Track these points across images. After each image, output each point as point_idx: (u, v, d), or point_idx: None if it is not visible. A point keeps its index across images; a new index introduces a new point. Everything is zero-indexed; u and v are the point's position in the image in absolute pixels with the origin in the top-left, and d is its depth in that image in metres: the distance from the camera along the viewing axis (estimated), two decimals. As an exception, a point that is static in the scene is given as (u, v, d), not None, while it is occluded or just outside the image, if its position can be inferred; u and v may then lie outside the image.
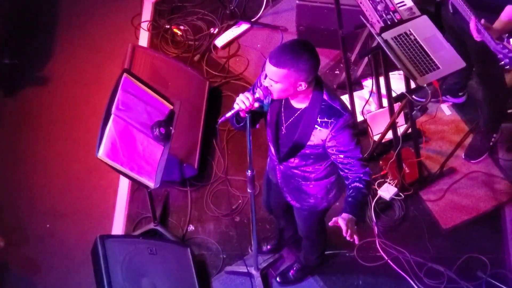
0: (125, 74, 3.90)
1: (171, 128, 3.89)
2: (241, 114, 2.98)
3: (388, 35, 3.82)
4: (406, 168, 4.40)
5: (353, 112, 4.64)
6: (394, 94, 4.35)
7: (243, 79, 5.08)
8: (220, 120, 2.99)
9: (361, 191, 3.00)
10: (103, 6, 5.60)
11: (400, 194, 4.41)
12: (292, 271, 4.14)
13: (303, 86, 2.88)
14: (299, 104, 3.02)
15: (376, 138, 4.56)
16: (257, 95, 2.95)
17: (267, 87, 2.93)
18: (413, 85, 3.88)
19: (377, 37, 3.83)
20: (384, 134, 4.40)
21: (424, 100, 3.93)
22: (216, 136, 4.65)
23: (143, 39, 5.37)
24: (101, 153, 3.59)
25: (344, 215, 2.90)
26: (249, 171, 3.27)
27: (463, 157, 4.59)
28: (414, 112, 4.09)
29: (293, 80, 2.85)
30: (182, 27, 5.39)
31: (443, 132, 4.73)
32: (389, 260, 4.19)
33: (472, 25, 3.53)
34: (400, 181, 4.37)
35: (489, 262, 4.16)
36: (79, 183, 4.62)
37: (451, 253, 4.22)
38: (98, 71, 5.17)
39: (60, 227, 4.44)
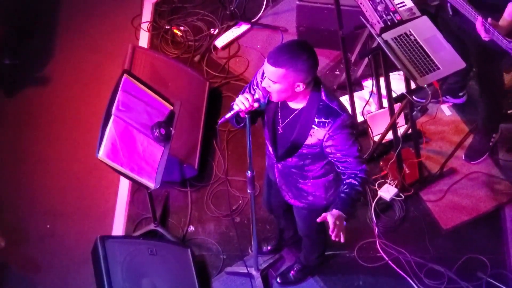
0: (125, 75, 3.90)
1: (171, 128, 3.89)
2: (241, 115, 2.99)
3: (388, 35, 3.82)
4: (406, 169, 4.40)
5: (353, 113, 4.65)
6: (394, 95, 4.35)
7: (243, 79, 5.08)
8: (220, 121, 3.00)
9: (354, 188, 2.99)
10: (103, 6, 5.60)
11: (400, 194, 4.41)
12: (292, 272, 4.14)
13: (301, 87, 2.88)
14: (296, 105, 3.02)
15: (376, 138, 4.56)
16: (256, 96, 2.96)
17: (265, 88, 2.93)
18: (413, 85, 3.88)
19: (377, 38, 3.83)
20: (384, 134, 4.40)
21: (424, 100, 3.93)
22: (216, 137, 4.66)
23: (143, 39, 5.37)
24: (101, 153, 3.59)
25: (334, 211, 2.89)
26: (249, 171, 3.27)
27: (463, 157, 4.59)
28: (414, 112, 4.08)
29: (291, 81, 2.85)
30: (182, 28, 5.39)
31: (443, 132, 4.73)
32: (389, 261, 4.19)
33: (479, 25, 3.51)
34: (400, 182, 4.37)
35: (489, 262, 4.16)
36: (80, 184, 4.62)
37: (451, 254, 4.22)
38: (98, 72, 5.17)
39: (60, 228, 4.44)
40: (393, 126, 4.23)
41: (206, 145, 4.64)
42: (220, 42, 5.28)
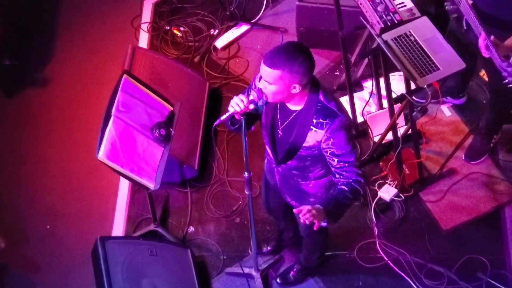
0: (125, 76, 3.91)
1: (171, 129, 3.89)
2: (236, 117, 2.98)
3: (388, 36, 3.82)
4: (406, 169, 4.40)
5: (353, 113, 4.66)
6: (394, 95, 4.35)
7: (243, 80, 5.08)
8: (215, 123, 3.00)
9: (343, 193, 2.97)
10: (103, 7, 5.61)
11: (400, 195, 4.41)
12: (292, 272, 4.14)
13: (297, 88, 2.88)
14: (294, 106, 3.02)
15: (376, 139, 4.56)
16: (251, 97, 2.95)
17: (261, 89, 2.94)
18: (413, 86, 3.88)
19: (377, 38, 3.83)
20: (384, 135, 4.40)
21: (424, 101, 3.93)
22: (215, 138, 4.66)
23: (143, 40, 5.37)
24: (101, 154, 3.59)
25: (316, 205, 2.88)
26: (246, 172, 3.27)
27: (463, 158, 4.59)
28: (414, 113, 4.08)
29: (287, 82, 2.85)
30: (182, 29, 5.39)
31: (443, 133, 4.73)
32: (389, 261, 4.19)
33: (481, 41, 3.53)
34: (400, 182, 4.37)
35: (489, 263, 4.16)
36: (80, 184, 4.62)
37: (451, 254, 4.22)
38: (98, 72, 5.18)
39: (60, 228, 4.45)
40: (393, 127, 4.23)
41: (206, 145, 4.64)
42: (220, 42, 5.29)
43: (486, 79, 4.60)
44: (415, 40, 3.79)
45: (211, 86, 4.96)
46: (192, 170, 4.45)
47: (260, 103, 3.07)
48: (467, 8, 3.57)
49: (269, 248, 4.25)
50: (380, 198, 4.41)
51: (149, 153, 3.82)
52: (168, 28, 5.39)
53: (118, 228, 4.42)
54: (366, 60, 4.76)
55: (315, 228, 2.84)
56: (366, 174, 4.43)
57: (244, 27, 5.37)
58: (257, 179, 3.93)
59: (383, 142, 4.49)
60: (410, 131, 4.32)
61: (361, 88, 4.94)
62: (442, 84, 4.56)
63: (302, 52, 2.84)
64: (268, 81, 2.87)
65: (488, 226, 4.36)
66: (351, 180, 2.99)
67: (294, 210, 2.86)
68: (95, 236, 3.91)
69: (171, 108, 4.03)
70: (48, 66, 5.26)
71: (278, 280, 4.15)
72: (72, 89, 5.11)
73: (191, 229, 4.42)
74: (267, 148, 3.27)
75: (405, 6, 3.94)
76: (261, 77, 2.94)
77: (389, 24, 3.86)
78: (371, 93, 4.62)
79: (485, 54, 3.57)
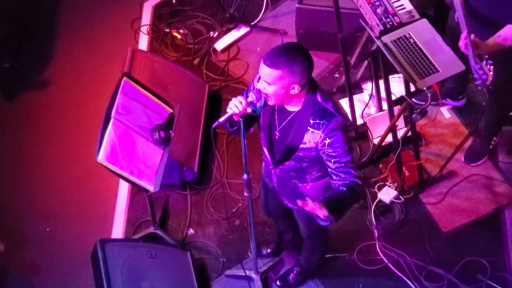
0: (124, 78, 3.91)
1: (170, 131, 3.89)
2: (235, 118, 2.99)
3: (387, 38, 3.82)
4: (406, 171, 4.40)
5: (352, 115, 4.66)
6: (393, 97, 4.35)
7: (242, 82, 5.08)
8: (214, 125, 3.00)
9: (342, 192, 2.96)
10: (103, 9, 5.61)
11: (400, 197, 4.41)
12: (292, 275, 4.14)
13: (296, 89, 2.89)
14: (292, 107, 3.03)
15: (376, 141, 4.56)
16: (250, 99, 2.96)
17: (260, 90, 2.94)
18: (412, 88, 3.88)
19: (376, 41, 3.83)
20: (384, 137, 4.40)
21: (423, 103, 3.93)
22: (214, 140, 4.66)
23: (143, 42, 5.37)
24: (101, 156, 3.59)
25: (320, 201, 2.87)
26: (245, 175, 3.27)
27: (463, 160, 4.59)
28: (414, 115, 4.09)
29: (286, 82, 2.86)
30: (181, 31, 5.39)
31: (443, 135, 4.73)
32: (389, 263, 4.19)
33: (462, 39, 3.55)
34: (400, 184, 4.37)
35: (489, 265, 4.15)
36: (79, 186, 4.62)
37: (451, 256, 4.22)
38: (98, 75, 5.18)
39: (60, 230, 4.44)
40: (392, 129, 4.23)
41: (206, 147, 4.64)
42: (219, 45, 5.29)
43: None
44: (415, 42, 3.79)
45: (210, 88, 4.96)
46: (192, 172, 4.45)
47: (258, 105, 3.07)
48: (458, 3, 3.57)
49: (268, 250, 4.24)
50: (380, 200, 4.41)
51: (149, 156, 3.82)
52: (168, 30, 5.39)
53: (118, 231, 4.42)
54: (365, 62, 4.76)
55: (319, 213, 2.81)
56: (364, 176, 4.45)
57: (243, 29, 5.37)
58: (256, 181, 3.93)
59: (383, 144, 4.49)
60: (409, 133, 4.32)
61: (360, 90, 4.94)
62: (442, 86, 4.58)
63: (301, 52, 2.85)
64: (268, 81, 2.87)
65: (488, 228, 4.35)
66: (348, 182, 2.98)
67: (298, 202, 2.84)
68: (95, 238, 3.90)
69: (171, 110, 4.03)
70: (48, 68, 5.26)
71: (278, 282, 4.15)
72: (72, 91, 5.11)
73: (191, 231, 4.41)
74: (265, 150, 3.27)
75: (404, 8, 3.95)
76: (259, 78, 2.94)
77: (388, 26, 3.86)
78: (371, 95, 4.62)
79: (465, 51, 3.59)
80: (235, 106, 2.93)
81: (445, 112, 4.82)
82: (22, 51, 5.33)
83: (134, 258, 3.88)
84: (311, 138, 2.99)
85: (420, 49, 3.77)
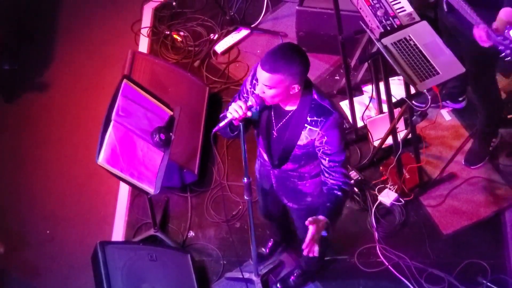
0: (125, 80, 3.90)
1: (171, 134, 3.89)
2: (234, 123, 2.99)
3: (387, 40, 3.82)
4: (406, 174, 4.40)
5: (353, 118, 4.66)
6: (394, 100, 4.35)
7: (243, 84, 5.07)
8: (214, 130, 3.01)
9: (338, 199, 3.01)
10: (103, 12, 5.61)
11: (400, 199, 4.41)
12: (292, 277, 4.13)
13: (296, 89, 2.91)
14: (289, 107, 3.04)
15: (376, 143, 4.56)
16: (249, 103, 2.96)
17: (259, 94, 2.94)
18: (413, 90, 3.88)
19: (376, 43, 3.83)
20: (384, 139, 4.40)
21: (424, 105, 3.93)
22: (215, 144, 4.66)
23: (143, 45, 5.37)
24: (101, 159, 3.59)
25: (321, 216, 2.90)
26: (245, 178, 3.27)
27: (463, 162, 4.58)
28: (414, 117, 4.09)
29: (287, 84, 2.87)
30: (182, 33, 5.39)
31: (443, 137, 4.73)
32: (389, 266, 4.19)
33: (481, 32, 3.52)
34: (400, 187, 4.37)
35: (489, 267, 4.15)
36: (79, 189, 4.62)
37: (452, 259, 4.22)
38: (98, 77, 5.18)
39: (60, 233, 4.44)
40: (393, 131, 4.23)
41: (206, 150, 4.63)
42: (220, 47, 5.29)
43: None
44: (415, 45, 3.79)
45: (211, 91, 4.96)
46: (192, 175, 4.45)
47: (253, 109, 3.08)
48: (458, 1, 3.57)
49: (267, 251, 4.24)
50: (380, 203, 4.41)
51: (149, 158, 3.81)
52: (168, 32, 5.39)
53: (118, 233, 4.42)
54: (366, 65, 4.76)
55: (315, 254, 2.89)
56: (365, 178, 4.45)
57: (244, 32, 5.37)
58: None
59: (383, 146, 4.49)
60: (410, 136, 4.32)
61: (361, 92, 4.94)
62: (442, 88, 4.58)
63: (299, 53, 2.87)
64: (269, 85, 2.87)
65: (489, 231, 4.35)
66: (340, 183, 3.02)
67: (306, 222, 2.86)
68: (95, 240, 3.90)
69: (171, 113, 4.03)
70: (48, 70, 5.26)
71: (278, 285, 4.14)
72: (72, 93, 5.11)
73: (191, 234, 4.41)
74: (262, 151, 3.28)
75: (404, 10, 3.95)
76: (253, 80, 2.94)
77: (388, 28, 3.86)
78: (371, 98, 4.62)
79: (486, 43, 3.54)
80: (235, 110, 2.93)
81: (445, 115, 4.82)
82: (22, 53, 5.33)
83: (135, 260, 3.87)
84: (308, 135, 3.01)
85: (420, 51, 3.77)
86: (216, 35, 5.37)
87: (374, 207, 4.38)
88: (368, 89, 4.79)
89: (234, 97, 3.17)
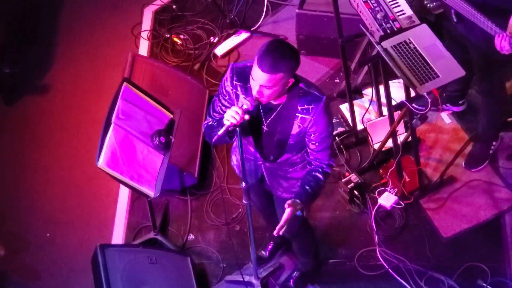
0: (125, 83, 3.91)
1: (171, 137, 3.90)
2: (230, 129, 2.99)
3: (387, 43, 3.82)
4: (406, 177, 4.39)
5: (353, 121, 4.66)
6: (394, 103, 4.35)
7: (243, 87, 5.07)
8: (214, 139, 3.02)
9: (319, 183, 3.12)
10: (103, 15, 5.62)
11: (400, 202, 4.40)
12: (292, 280, 4.13)
13: (290, 82, 2.96)
14: (277, 100, 3.05)
15: (376, 146, 4.56)
16: (245, 107, 2.98)
17: (253, 98, 2.96)
18: (413, 93, 3.88)
19: (376, 46, 3.84)
20: (384, 142, 4.40)
21: (424, 108, 3.92)
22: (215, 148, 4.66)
23: (143, 48, 5.38)
24: (101, 162, 3.59)
25: (298, 201, 3.04)
26: (243, 183, 3.27)
27: (463, 165, 4.58)
28: (414, 120, 4.08)
29: (285, 80, 2.92)
30: (182, 36, 5.40)
31: (443, 140, 4.73)
32: (389, 269, 4.18)
33: (504, 43, 3.51)
34: (400, 190, 4.37)
35: (489, 270, 4.14)
36: (79, 192, 4.62)
37: (452, 262, 4.21)
38: (98, 80, 5.18)
39: (60, 236, 4.44)
40: (393, 134, 4.23)
41: (206, 153, 4.63)
42: (220, 50, 5.29)
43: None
44: (415, 48, 3.79)
45: (211, 94, 4.96)
46: (192, 178, 4.45)
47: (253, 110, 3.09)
48: (466, 8, 3.57)
49: (267, 254, 4.24)
50: (380, 206, 4.40)
51: (149, 161, 3.82)
52: (168, 35, 5.39)
53: (118, 236, 4.41)
54: (365, 68, 4.76)
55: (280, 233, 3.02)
56: (364, 181, 4.45)
57: (244, 35, 5.38)
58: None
59: (383, 149, 4.49)
60: (410, 139, 4.32)
61: (361, 95, 4.94)
62: (442, 91, 4.58)
63: (289, 47, 2.92)
64: (269, 85, 2.89)
65: (489, 234, 4.35)
66: (324, 166, 3.12)
67: (286, 205, 3.00)
68: (95, 243, 3.90)
69: (171, 116, 4.03)
70: (48, 73, 5.27)
71: (278, 288, 4.16)
72: (72, 96, 5.11)
73: (191, 236, 4.41)
74: (250, 148, 3.28)
75: (404, 13, 3.95)
76: (233, 82, 3.01)
77: (388, 31, 3.86)
78: (371, 101, 4.62)
79: (508, 52, 3.55)
80: (232, 117, 2.94)
81: (446, 118, 4.82)
82: (22, 56, 5.34)
83: (134, 263, 3.87)
84: (301, 123, 3.05)
85: (420, 54, 3.77)
86: (216, 38, 5.38)
87: (374, 210, 4.38)
88: (368, 92, 4.79)
89: (214, 100, 3.18)
